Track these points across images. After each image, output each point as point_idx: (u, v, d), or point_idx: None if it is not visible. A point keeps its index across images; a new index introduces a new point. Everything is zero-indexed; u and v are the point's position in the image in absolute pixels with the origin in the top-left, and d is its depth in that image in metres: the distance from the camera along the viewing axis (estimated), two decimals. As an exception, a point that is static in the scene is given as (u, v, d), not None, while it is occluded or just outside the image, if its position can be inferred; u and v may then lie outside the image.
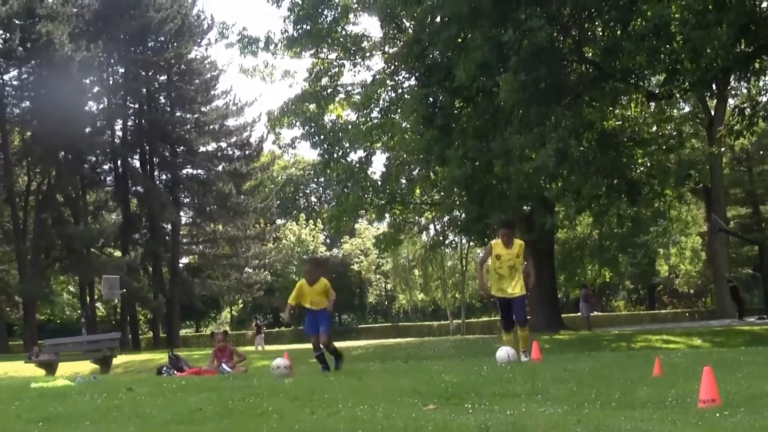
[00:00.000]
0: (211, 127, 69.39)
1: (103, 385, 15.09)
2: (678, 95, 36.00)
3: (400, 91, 40.18)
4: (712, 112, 43.92)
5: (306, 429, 7.04)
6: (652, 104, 39.01)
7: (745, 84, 37.55)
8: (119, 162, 67.55)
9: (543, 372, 12.16)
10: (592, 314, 46.85)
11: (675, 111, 41.00)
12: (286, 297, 15.70)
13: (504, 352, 14.15)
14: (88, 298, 65.32)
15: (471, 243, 51.66)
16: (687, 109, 42.46)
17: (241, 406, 9.70)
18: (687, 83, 32.35)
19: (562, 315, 44.60)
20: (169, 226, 67.53)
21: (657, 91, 36.03)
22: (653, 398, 8.33)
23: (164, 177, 70.36)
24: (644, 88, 36.41)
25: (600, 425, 6.21)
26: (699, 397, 7.52)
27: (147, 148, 68.73)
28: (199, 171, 70.50)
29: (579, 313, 49.84)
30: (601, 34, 34.93)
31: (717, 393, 7.47)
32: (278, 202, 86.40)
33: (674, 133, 38.24)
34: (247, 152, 70.94)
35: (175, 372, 20.42)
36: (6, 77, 62.53)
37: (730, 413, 6.76)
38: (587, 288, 45.10)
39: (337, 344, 16.80)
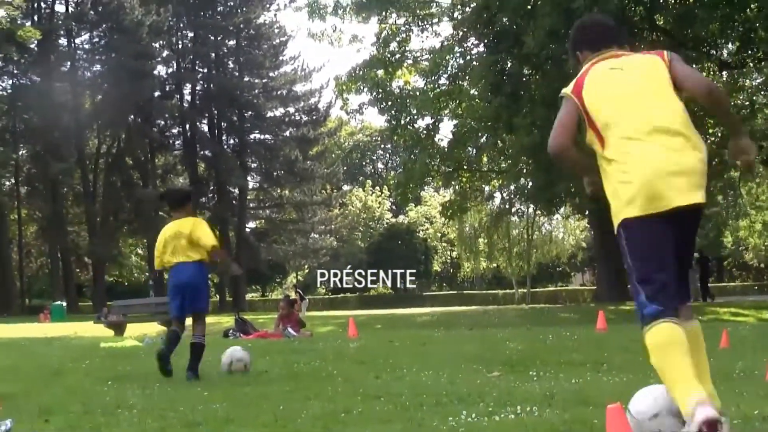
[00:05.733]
0: (279, 92, 69.63)
1: (171, 346, 15.30)
2: (751, 64, 35.41)
3: (468, 57, 39.97)
4: (786, 83, 43.07)
5: (370, 393, 7.09)
6: (724, 73, 38.39)
7: (821, 54, 36.83)
8: (187, 126, 68.02)
9: (608, 342, 12.12)
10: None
11: (747, 81, 40.26)
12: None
13: None
14: (156, 261, 66.14)
15: (538, 212, 51.34)
16: (759, 79, 41.68)
17: (307, 369, 9.81)
18: (761, 52, 31.82)
19: (628, 285, 44.07)
20: (237, 191, 68.03)
21: (729, 60, 35.48)
22: (720, 370, 8.26)
23: (232, 141, 70.76)
24: (716, 57, 35.86)
25: (666, 396, 6.16)
26: (767, 370, 7.45)
27: (215, 112, 69.13)
28: (267, 136, 70.81)
29: None
30: (673, 1, 34.38)
31: (786, 366, 7.40)
32: (345, 168, 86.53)
33: (746, 104, 37.52)
34: (314, 118, 71.00)
35: (242, 335, 20.68)
36: (78, 41, 63.54)
37: (799, 387, 6.69)
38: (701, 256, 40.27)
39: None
